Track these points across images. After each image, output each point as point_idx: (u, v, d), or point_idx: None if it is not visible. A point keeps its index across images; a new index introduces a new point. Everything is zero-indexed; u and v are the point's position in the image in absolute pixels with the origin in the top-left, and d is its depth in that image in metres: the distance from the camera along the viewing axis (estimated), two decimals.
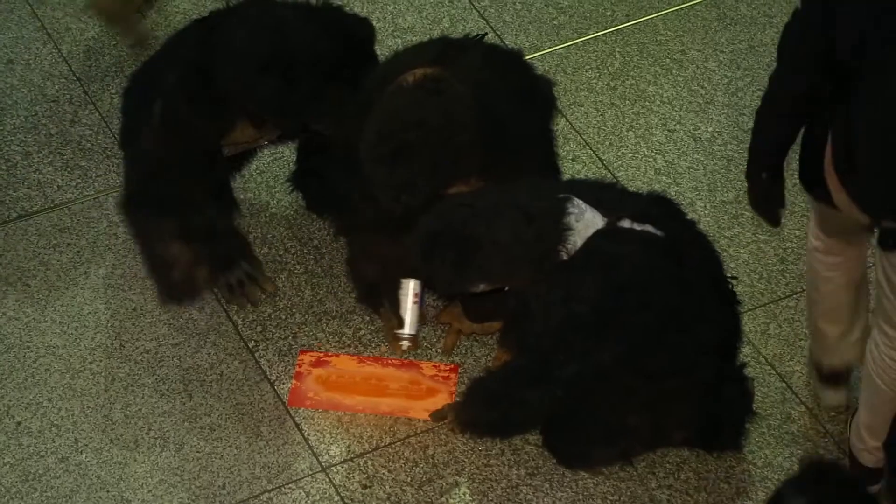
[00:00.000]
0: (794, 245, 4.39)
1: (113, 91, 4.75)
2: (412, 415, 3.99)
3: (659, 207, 3.79)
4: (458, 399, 3.94)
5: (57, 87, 4.79)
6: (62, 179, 4.54)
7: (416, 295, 4.04)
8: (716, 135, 4.63)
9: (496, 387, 3.80)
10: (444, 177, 3.78)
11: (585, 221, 3.61)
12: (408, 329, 4.06)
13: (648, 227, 3.65)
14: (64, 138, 4.65)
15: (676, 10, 4.96)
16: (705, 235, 3.84)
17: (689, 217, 3.83)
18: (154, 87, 4.14)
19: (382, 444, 3.96)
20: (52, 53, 4.86)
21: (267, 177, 4.54)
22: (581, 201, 3.63)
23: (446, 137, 3.72)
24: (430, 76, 3.76)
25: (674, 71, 4.80)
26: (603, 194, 3.74)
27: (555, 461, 3.91)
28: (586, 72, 4.75)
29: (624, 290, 3.60)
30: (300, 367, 4.08)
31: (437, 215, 3.71)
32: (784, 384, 4.11)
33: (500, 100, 3.87)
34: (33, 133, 4.66)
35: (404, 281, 4.04)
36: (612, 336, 3.60)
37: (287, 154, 4.52)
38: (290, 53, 3.97)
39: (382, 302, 4.10)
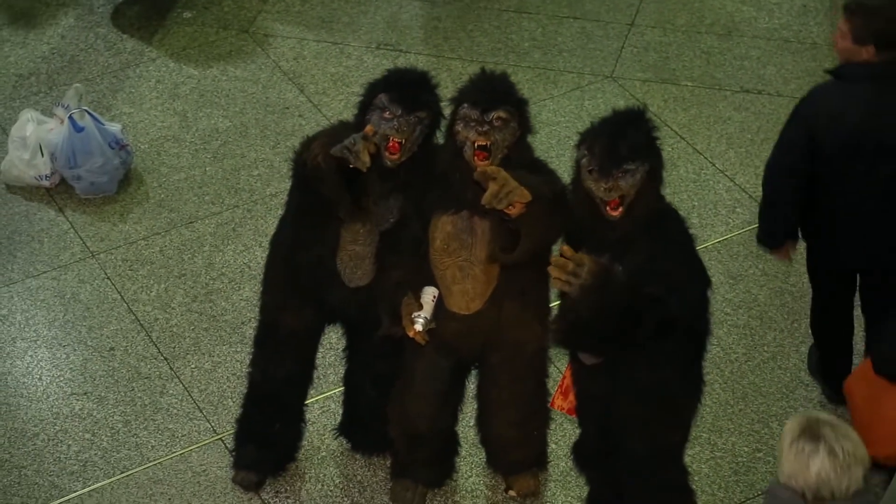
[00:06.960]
0: (745, 459, 4.92)
1: (193, 366, 5.19)
2: None
3: None
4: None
5: (149, 366, 5.27)
6: (155, 440, 5.00)
7: (434, 297, 4.40)
8: None
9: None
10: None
11: None
12: (423, 313, 4.38)
13: None
14: (155, 407, 5.11)
15: None
16: None
17: None
18: None
19: None
20: (144, 340, 5.34)
21: (318, 426, 5.03)
22: None
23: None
24: None
25: None
26: None
27: None
28: None
29: None
30: None
31: None
32: None
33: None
34: (131, 405, 5.13)
35: (426, 287, 4.42)
36: None
37: (334, 407, 5.01)
38: None
39: (406, 294, 4.41)
